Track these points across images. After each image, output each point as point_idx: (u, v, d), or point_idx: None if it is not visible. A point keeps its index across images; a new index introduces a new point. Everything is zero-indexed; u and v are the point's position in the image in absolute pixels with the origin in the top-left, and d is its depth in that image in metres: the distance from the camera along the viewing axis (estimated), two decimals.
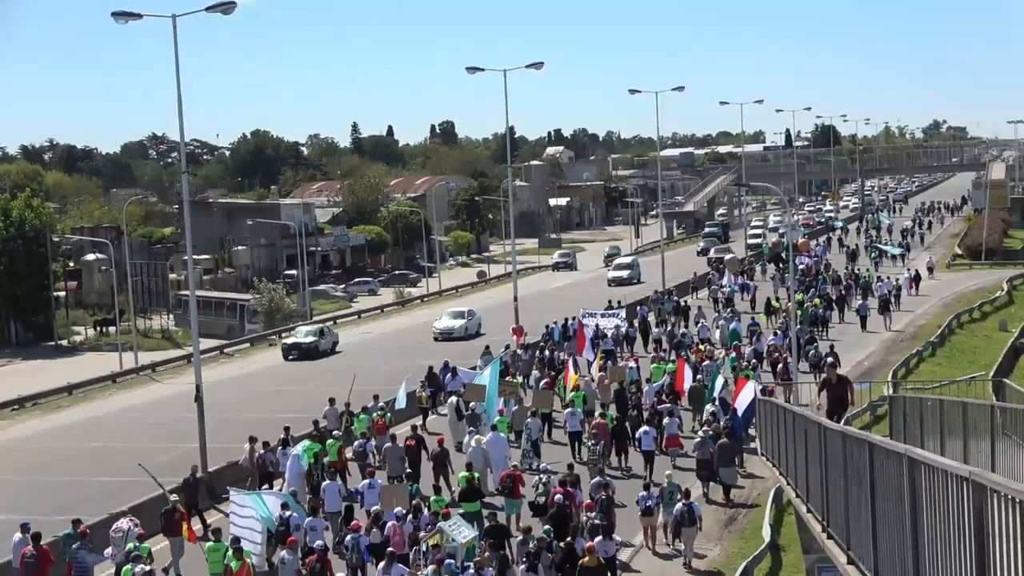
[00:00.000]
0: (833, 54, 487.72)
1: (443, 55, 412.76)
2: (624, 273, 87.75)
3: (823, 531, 16.19)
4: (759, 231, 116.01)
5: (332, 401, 37.48)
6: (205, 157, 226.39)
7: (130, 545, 24.61)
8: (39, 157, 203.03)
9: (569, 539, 23.51)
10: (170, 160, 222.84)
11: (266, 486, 30.15)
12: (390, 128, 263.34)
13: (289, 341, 64.10)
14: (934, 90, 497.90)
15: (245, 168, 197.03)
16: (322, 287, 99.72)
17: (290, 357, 62.08)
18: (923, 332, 59.47)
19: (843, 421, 22.90)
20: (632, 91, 79.55)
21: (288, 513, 25.52)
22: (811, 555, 21.16)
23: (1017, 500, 7.66)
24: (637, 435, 33.85)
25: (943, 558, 9.46)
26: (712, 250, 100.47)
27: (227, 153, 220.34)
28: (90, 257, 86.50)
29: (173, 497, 27.15)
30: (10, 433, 47.76)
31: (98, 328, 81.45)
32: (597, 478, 28.24)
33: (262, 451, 32.24)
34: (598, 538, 23.66)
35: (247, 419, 44.79)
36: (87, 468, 39.02)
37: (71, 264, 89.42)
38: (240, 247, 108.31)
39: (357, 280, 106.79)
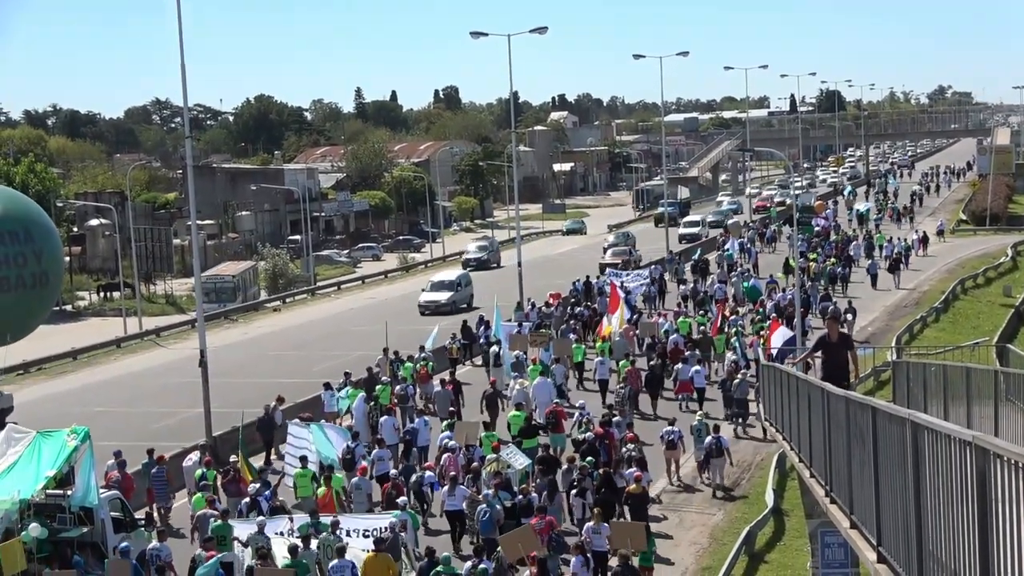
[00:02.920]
0: (838, 19, 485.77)
1: (447, 20, 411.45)
2: (442, 296, 61.76)
3: (826, 496, 16.20)
4: (697, 218, 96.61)
5: (386, 351, 40.75)
6: (209, 122, 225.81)
7: (199, 472, 27.84)
8: (42, 122, 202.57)
9: (607, 469, 26.50)
10: (173, 125, 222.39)
11: (322, 420, 33.34)
12: (394, 93, 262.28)
13: None
14: (939, 55, 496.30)
15: (249, 133, 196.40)
16: (326, 252, 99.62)
17: None
18: (927, 298, 59.51)
19: None
20: (636, 56, 79.81)
21: (355, 444, 29.44)
22: (814, 520, 21.21)
23: (1020, 464, 7.67)
24: (689, 374, 37.81)
25: (945, 522, 9.48)
26: (610, 252, 76.19)
27: (231, 118, 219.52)
28: (94, 222, 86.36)
29: (233, 458, 28.83)
30: (15, 398, 47.80)
31: (102, 293, 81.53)
32: (618, 418, 31.67)
33: (325, 395, 36.37)
34: (632, 470, 26.33)
35: (251, 383, 44.98)
36: (92, 433, 38.98)
37: (75, 229, 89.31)
38: (244, 212, 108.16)
39: (361, 245, 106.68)
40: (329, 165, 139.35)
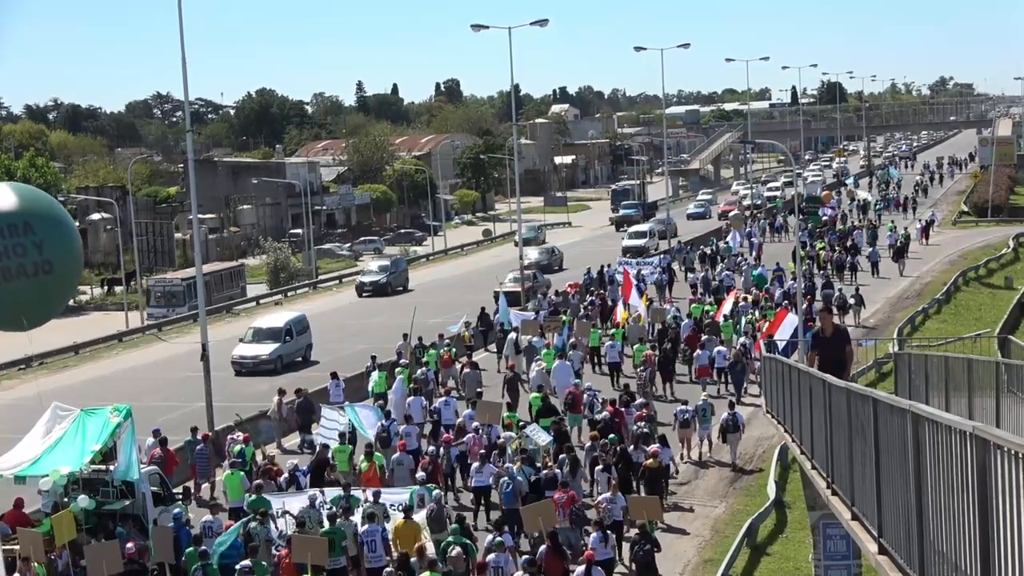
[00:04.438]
0: (839, 10, 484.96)
1: (448, 12, 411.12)
2: (264, 350, 46.89)
3: (827, 488, 16.19)
4: (645, 228, 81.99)
5: (406, 336, 41.60)
6: (210, 116, 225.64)
7: (237, 447, 29.13)
8: (43, 116, 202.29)
9: (623, 445, 27.81)
10: (175, 119, 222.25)
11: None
12: (395, 86, 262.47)
13: None
14: (941, 47, 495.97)
15: (250, 127, 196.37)
16: (327, 246, 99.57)
17: None
18: (929, 289, 59.50)
19: None
20: (637, 48, 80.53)
21: (389, 422, 30.88)
22: (816, 512, 21.21)
23: (1020, 455, 7.67)
24: (707, 359, 39.41)
25: (946, 513, 9.49)
26: (509, 277, 60.10)
27: (232, 112, 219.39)
28: (95, 217, 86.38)
29: (270, 452, 29.81)
30: (17, 392, 47.88)
31: (104, 287, 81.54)
32: (640, 399, 33.01)
33: (331, 385, 37.42)
34: (655, 446, 27.68)
35: (254, 377, 44.97)
36: None
37: (76, 223, 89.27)
38: (245, 206, 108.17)
39: (362, 239, 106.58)
40: (330, 159, 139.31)
